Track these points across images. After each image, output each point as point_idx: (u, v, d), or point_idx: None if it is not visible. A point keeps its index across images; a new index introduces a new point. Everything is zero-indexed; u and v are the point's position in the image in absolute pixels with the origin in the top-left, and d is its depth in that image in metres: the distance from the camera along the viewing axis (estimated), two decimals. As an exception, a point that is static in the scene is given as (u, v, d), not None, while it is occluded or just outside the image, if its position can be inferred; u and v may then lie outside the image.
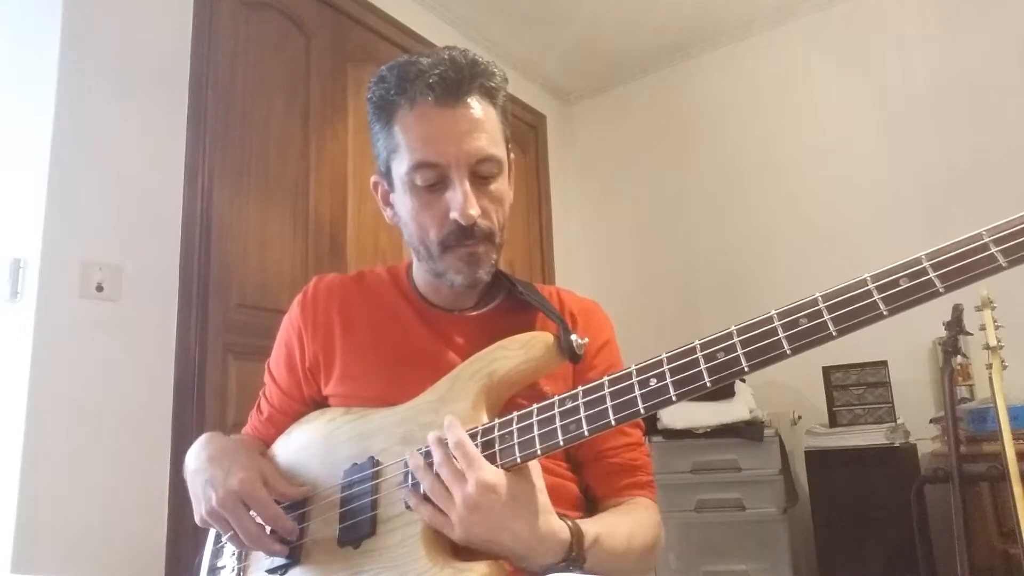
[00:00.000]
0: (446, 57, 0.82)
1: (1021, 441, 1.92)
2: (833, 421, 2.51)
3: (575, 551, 0.72)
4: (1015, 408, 1.97)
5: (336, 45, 2.58)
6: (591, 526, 0.76)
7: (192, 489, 0.86)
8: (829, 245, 2.97)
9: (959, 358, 2.29)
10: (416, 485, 0.74)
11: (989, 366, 1.81)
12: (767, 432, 2.56)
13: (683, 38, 3.39)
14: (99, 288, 1.77)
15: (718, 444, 2.61)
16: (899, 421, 2.46)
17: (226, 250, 2.08)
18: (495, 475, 0.69)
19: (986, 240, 0.57)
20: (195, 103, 2.06)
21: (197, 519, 0.84)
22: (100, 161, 1.83)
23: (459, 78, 0.81)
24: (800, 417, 2.80)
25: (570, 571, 0.70)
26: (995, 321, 1.83)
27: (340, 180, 2.48)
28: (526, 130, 3.56)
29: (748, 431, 2.56)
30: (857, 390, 2.51)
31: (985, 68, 2.73)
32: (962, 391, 2.51)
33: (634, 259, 3.54)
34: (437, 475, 0.71)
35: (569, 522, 0.73)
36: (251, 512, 0.80)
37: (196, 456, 0.88)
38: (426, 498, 0.72)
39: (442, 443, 0.71)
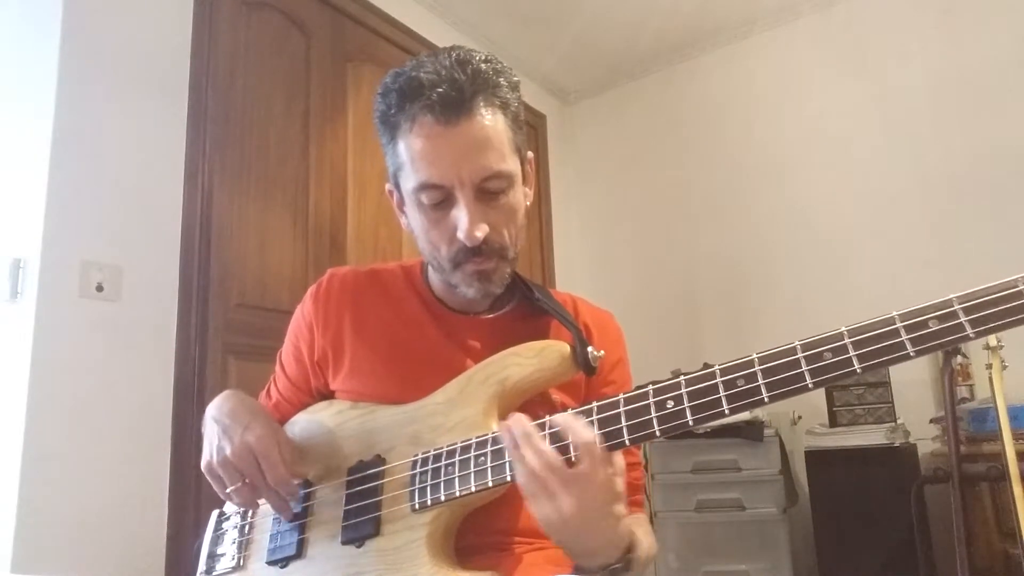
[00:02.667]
0: (448, 68, 0.79)
1: (1021, 441, 1.92)
2: (833, 421, 2.51)
3: (630, 553, 0.72)
4: (1015, 408, 1.97)
5: (336, 45, 2.57)
6: (632, 532, 0.75)
7: (207, 437, 0.86)
8: (829, 244, 2.97)
9: (959, 358, 2.29)
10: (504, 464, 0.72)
11: (989, 366, 1.81)
12: (767, 432, 2.56)
13: (683, 38, 3.39)
14: (99, 288, 1.76)
15: (718, 444, 2.60)
16: (899, 421, 2.46)
17: (226, 250, 2.07)
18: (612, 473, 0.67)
19: (1021, 287, 0.55)
20: (195, 103, 2.05)
21: (204, 465, 0.84)
22: (100, 161, 1.82)
23: (460, 96, 0.78)
24: (800, 417, 2.80)
25: (620, 572, 0.70)
26: (995, 321, 1.82)
27: (340, 180, 2.48)
28: (526, 130, 3.56)
29: (748, 431, 2.56)
30: (857, 390, 2.50)
31: (985, 68, 2.73)
32: (962, 391, 2.51)
33: (634, 259, 3.54)
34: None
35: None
36: (262, 469, 0.81)
37: (218, 407, 0.89)
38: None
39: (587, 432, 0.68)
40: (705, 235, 3.33)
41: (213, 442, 0.84)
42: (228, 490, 0.82)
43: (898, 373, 2.50)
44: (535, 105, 3.63)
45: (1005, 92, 2.68)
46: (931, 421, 2.48)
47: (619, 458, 0.70)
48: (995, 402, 1.79)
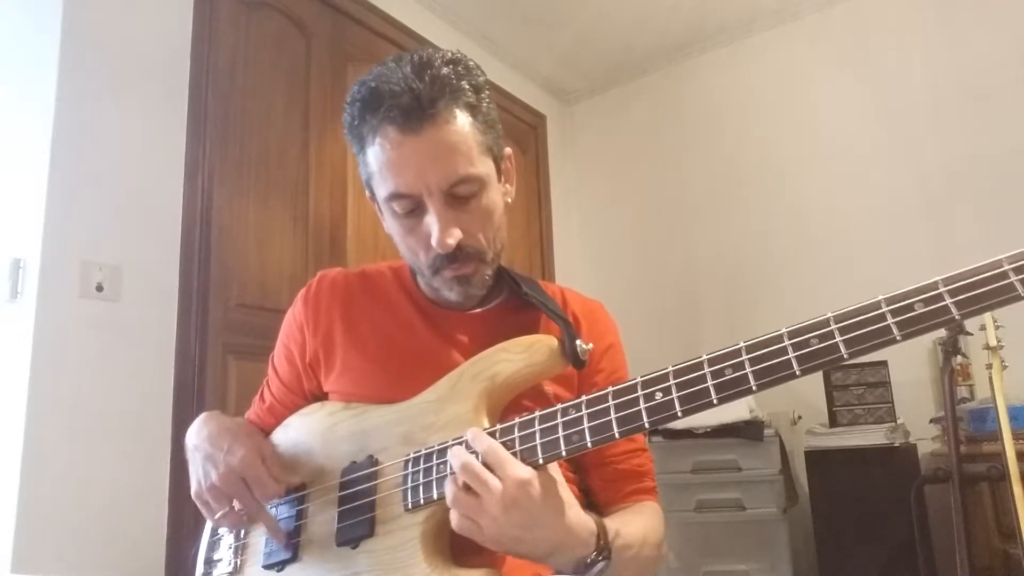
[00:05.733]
0: (407, 76, 0.77)
1: (1021, 441, 1.92)
2: (833, 421, 2.51)
3: (603, 540, 0.71)
4: (1015, 408, 1.97)
5: (336, 45, 2.58)
6: (609, 521, 0.75)
7: (192, 465, 0.86)
8: (829, 244, 2.97)
9: (959, 358, 2.29)
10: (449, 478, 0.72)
11: (989, 366, 1.81)
12: (767, 432, 2.56)
13: (683, 38, 3.39)
14: (99, 288, 1.77)
15: (718, 444, 2.60)
16: (899, 421, 2.46)
17: (226, 250, 2.08)
18: (527, 471, 0.67)
19: (1006, 268, 0.55)
20: (195, 103, 2.06)
21: (194, 494, 0.85)
22: (100, 160, 1.83)
23: (419, 104, 0.77)
24: (800, 417, 2.80)
25: (600, 562, 0.70)
26: (995, 321, 1.82)
27: (340, 180, 2.48)
28: (526, 130, 3.56)
29: (748, 431, 2.56)
30: (857, 390, 2.50)
31: (985, 68, 2.73)
32: (962, 391, 2.51)
33: (634, 258, 3.54)
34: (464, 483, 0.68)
35: (592, 514, 0.73)
36: (250, 489, 0.81)
37: (196, 433, 0.89)
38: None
39: (466, 455, 0.69)
40: (704, 234, 3.33)
41: (198, 470, 0.84)
42: (216, 516, 0.82)
43: (898, 373, 2.50)
44: (535, 105, 3.64)
45: (1005, 92, 2.68)
46: (931, 421, 2.48)
47: (554, 469, 0.71)
48: (995, 402, 1.78)
